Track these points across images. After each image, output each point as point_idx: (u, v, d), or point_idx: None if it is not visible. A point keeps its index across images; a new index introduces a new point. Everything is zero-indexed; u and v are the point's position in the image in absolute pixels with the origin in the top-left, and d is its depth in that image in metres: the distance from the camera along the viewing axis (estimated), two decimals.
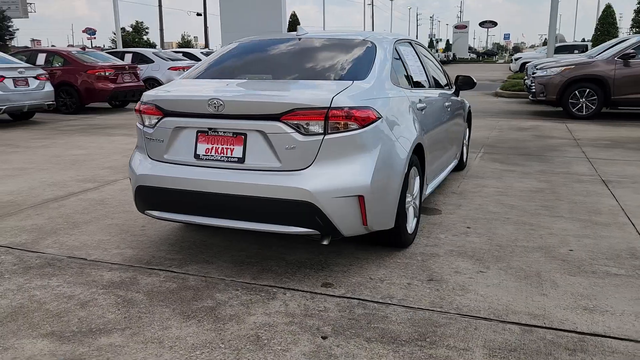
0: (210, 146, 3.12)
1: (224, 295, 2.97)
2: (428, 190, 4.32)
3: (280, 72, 3.61)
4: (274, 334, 2.56)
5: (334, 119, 2.93)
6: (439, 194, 5.14)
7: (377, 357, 2.37)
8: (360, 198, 3.01)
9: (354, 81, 3.28)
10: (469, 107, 6.18)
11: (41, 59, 12.78)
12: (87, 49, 14.26)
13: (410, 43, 4.56)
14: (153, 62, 15.84)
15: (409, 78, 4.04)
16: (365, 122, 3.03)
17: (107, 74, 12.47)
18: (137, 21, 63.89)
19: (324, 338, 2.53)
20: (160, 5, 39.09)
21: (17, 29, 38.86)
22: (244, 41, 4.16)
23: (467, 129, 6.35)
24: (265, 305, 2.86)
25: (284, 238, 3.83)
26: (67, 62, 12.64)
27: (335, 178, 2.95)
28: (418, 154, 3.82)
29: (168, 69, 15.93)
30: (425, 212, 4.55)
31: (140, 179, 3.30)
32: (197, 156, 3.16)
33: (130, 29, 61.27)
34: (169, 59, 16.74)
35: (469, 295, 2.97)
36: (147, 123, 3.33)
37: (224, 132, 3.09)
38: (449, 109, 4.89)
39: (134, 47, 39.46)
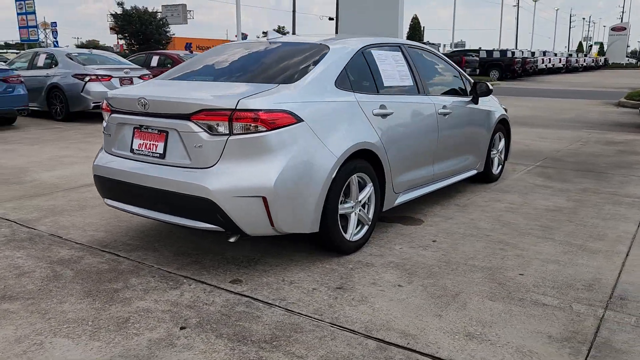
0: (142, 142, 3.38)
1: (137, 280, 3.21)
2: (401, 199, 4.18)
3: (224, 75, 3.77)
4: (142, 319, 2.74)
5: (238, 121, 3.03)
6: (437, 204, 4.92)
7: (210, 352, 2.45)
8: (264, 199, 3.06)
9: (280, 84, 3.33)
10: (501, 116, 5.78)
11: (155, 60, 14.20)
12: (193, 52, 15.50)
13: (400, 47, 4.43)
14: None
15: (374, 83, 3.95)
16: (274, 125, 3.08)
17: None
18: (279, 26, 67.83)
19: (182, 328, 2.65)
20: (294, 11, 40.93)
21: (174, 34, 42.96)
22: (218, 46, 4.38)
23: (502, 139, 5.94)
24: (163, 293, 3.05)
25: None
26: (175, 64, 13.89)
27: (237, 178, 3.04)
28: (373, 160, 3.75)
29: None
30: (404, 221, 4.41)
31: (95, 169, 3.67)
32: (132, 150, 3.44)
33: None
34: None
35: (361, 307, 2.89)
36: (105, 119, 3.69)
37: (151, 129, 3.33)
38: (448, 117, 4.66)
39: None
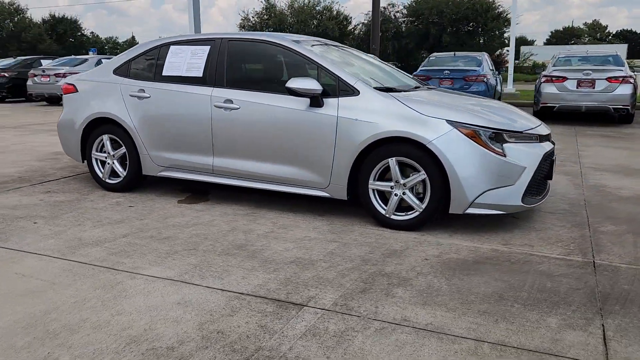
0: None
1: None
2: (168, 174, 4.91)
3: None
4: None
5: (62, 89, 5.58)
6: (265, 202, 4.69)
7: None
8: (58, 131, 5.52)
9: (92, 69, 5.47)
10: (401, 133, 3.88)
11: None
12: None
13: (212, 42, 4.70)
14: None
15: (154, 72, 4.95)
16: (66, 91, 5.47)
17: None
18: None
19: None
20: None
21: None
22: None
23: (423, 173, 3.90)
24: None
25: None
26: None
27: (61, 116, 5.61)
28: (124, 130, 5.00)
29: None
30: (191, 195, 5.12)
31: None
32: None
33: None
34: None
35: None
36: None
37: None
38: (235, 112, 4.47)
39: None
